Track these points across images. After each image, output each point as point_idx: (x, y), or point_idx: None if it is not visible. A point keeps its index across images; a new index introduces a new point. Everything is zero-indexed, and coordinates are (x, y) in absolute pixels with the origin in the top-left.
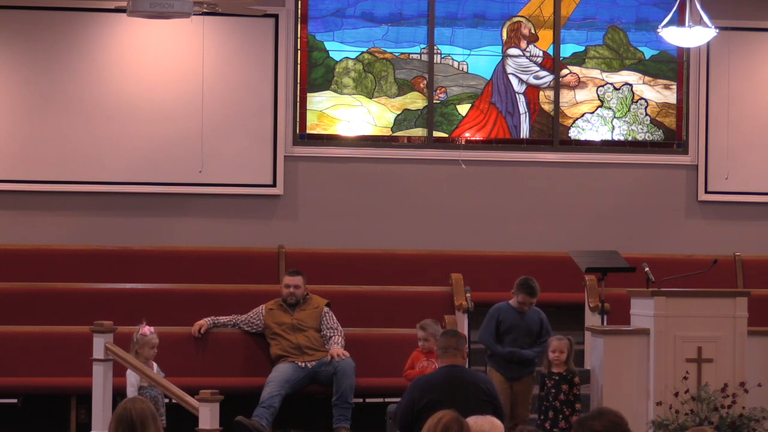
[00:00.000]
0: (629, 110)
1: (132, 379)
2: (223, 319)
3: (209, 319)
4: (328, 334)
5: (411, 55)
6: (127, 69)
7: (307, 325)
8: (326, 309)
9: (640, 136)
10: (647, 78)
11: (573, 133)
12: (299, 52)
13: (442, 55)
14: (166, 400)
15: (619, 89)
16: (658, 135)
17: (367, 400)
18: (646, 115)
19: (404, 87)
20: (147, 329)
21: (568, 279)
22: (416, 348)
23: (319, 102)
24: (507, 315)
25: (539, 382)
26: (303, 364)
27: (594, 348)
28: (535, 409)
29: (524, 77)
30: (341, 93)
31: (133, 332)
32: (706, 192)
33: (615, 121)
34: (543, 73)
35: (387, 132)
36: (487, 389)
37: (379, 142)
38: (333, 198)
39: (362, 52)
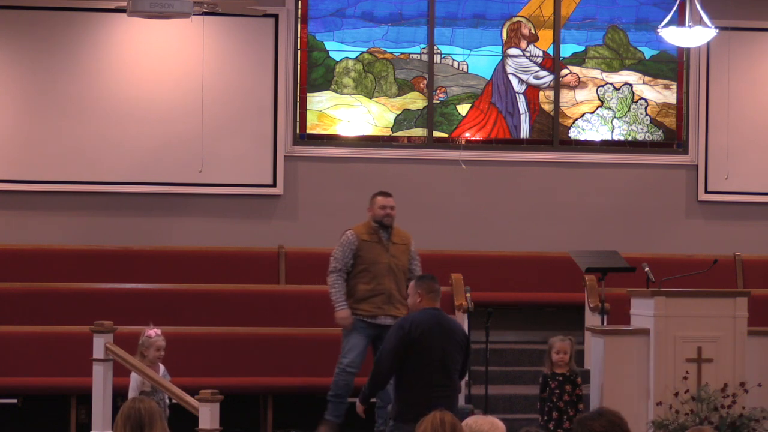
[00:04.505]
0: (629, 110)
1: (133, 383)
2: (341, 289)
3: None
4: (412, 267)
5: (411, 55)
6: (127, 69)
7: (401, 264)
8: (413, 244)
9: (640, 136)
10: (647, 78)
11: (573, 133)
12: (299, 52)
13: (442, 55)
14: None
15: (619, 89)
16: (658, 135)
17: None
18: (646, 115)
19: (404, 87)
20: (152, 331)
21: (568, 279)
22: None
23: (319, 102)
24: None
25: (541, 382)
26: (377, 322)
27: (594, 348)
28: (537, 410)
29: (524, 77)
30: (341, 93)
31: (134, 332)
32: (706, 192)
33: (615, 121)
34: (543, 73)
35: (387, 132)
36: (462, 337)
37: (379, 142)
38: (333, 198)
39: (362, 52)
